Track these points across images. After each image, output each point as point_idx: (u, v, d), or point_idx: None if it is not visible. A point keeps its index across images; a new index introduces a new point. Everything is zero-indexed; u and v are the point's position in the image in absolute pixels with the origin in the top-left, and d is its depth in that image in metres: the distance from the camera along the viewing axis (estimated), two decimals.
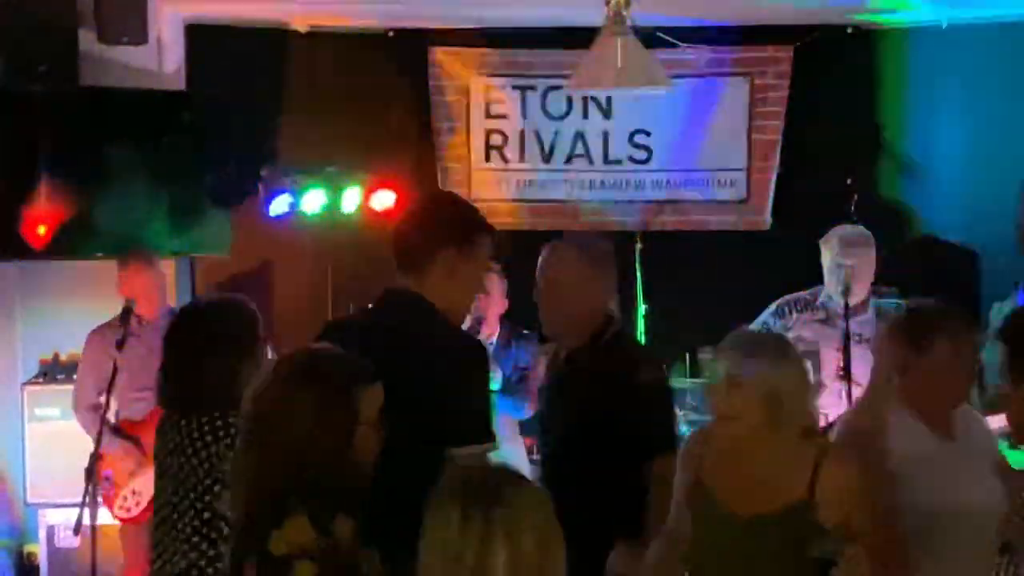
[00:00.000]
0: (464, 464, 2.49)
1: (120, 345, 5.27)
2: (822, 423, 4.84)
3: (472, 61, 7.49)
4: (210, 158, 6.40)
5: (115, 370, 5.24)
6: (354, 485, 2.57)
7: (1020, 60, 7.02)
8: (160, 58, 6.70)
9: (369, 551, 2.51)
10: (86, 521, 5.13)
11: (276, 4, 6.88)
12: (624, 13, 5.83)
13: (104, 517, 5.34)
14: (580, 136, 7.50)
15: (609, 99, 7.40)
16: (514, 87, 7.49)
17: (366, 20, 7.24)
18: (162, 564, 3.31)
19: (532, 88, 7.47)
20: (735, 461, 3.09)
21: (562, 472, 3.69)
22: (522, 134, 7.53)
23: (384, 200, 7.05)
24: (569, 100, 7.42)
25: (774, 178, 7.40)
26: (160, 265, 5.67)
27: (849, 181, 6.98)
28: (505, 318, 5.93)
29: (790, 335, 5.08)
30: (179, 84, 6.83)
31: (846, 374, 4.84)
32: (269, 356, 3.45)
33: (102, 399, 5.63)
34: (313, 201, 6.82)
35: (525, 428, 5.70)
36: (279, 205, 6.83)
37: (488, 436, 3.13)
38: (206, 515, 3.21)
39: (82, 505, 5.12)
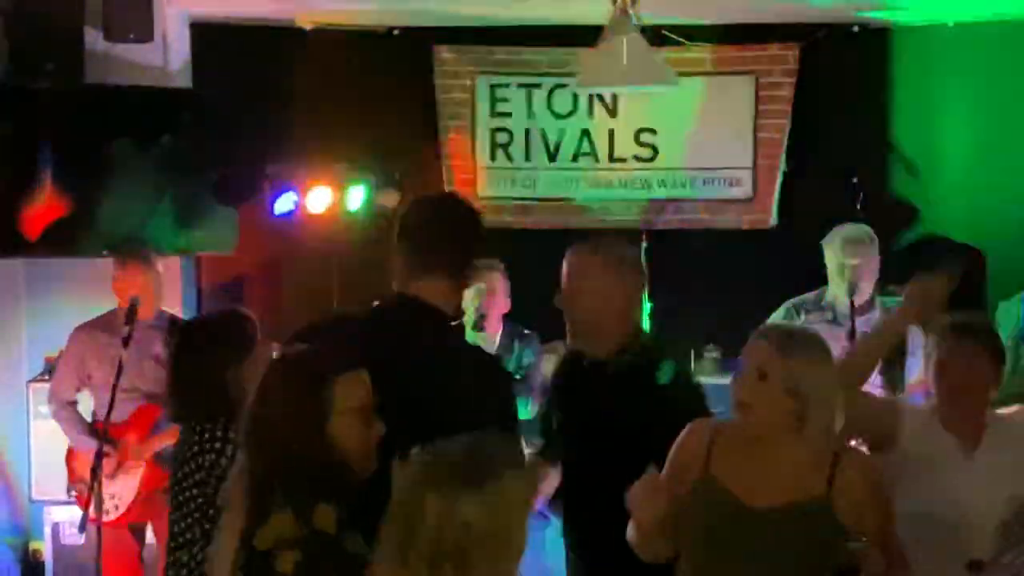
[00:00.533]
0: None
1: (126, 343, 5.27)
2: None
3: (477, 59, 7.49)
4: (215, 156, 6.39)
5: (120, 368, 5.22)
6: (335, 475, 2.58)
7: None
8: (166, 56, 6.70)
9: (354, 536, 2.52)
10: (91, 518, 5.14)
11: (282, 3, 6.88)
12: (630, 11, 5.83)
13: (107, 517, 5.32)
14: (586, 134, 7.49)
15: (615, 97, 7.40)
16: (519, 85, 7.49)
17: (371, 18, 7.24)
18: None
19: (537, 86, 7.47)
20: (751, 453, 3.07)
21: (586, 478, 3.64)
22: (527, 132, 7.53)
23: (389, 198, 7.06)
24: (575, 98, 7.41)
25: (780, 177, 7.39)
26: (158, 264, 5.63)
27: (855, 180, 6.98)
28: (507, 318, 5.93)
29: None
30: (185, 82, 6.84)
31: None
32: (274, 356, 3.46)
33: (78, 396, 5.63)
34: (318, 199, 6.82)
35: (524, 427, 5.68)
36: (284, 203, 6.83)
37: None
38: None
39: (87, 502, 5.12)
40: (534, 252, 7.37)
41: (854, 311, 4.93)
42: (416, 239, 3.12)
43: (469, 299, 6.01)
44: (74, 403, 5.63)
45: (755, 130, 7.40)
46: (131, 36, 6.26)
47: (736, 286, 6.99)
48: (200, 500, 3.37)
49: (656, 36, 6.66)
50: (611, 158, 7.51)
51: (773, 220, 7.42)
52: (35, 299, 6.57)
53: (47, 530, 6.15)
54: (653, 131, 7.46)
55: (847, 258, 5.06)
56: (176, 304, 6.52)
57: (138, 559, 5.58)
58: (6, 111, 5.83)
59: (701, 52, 7.32)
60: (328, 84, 7.25)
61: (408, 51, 7.41)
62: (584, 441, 3.69)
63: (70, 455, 5.64)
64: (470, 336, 5.85)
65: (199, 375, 3.49)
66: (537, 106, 7.49)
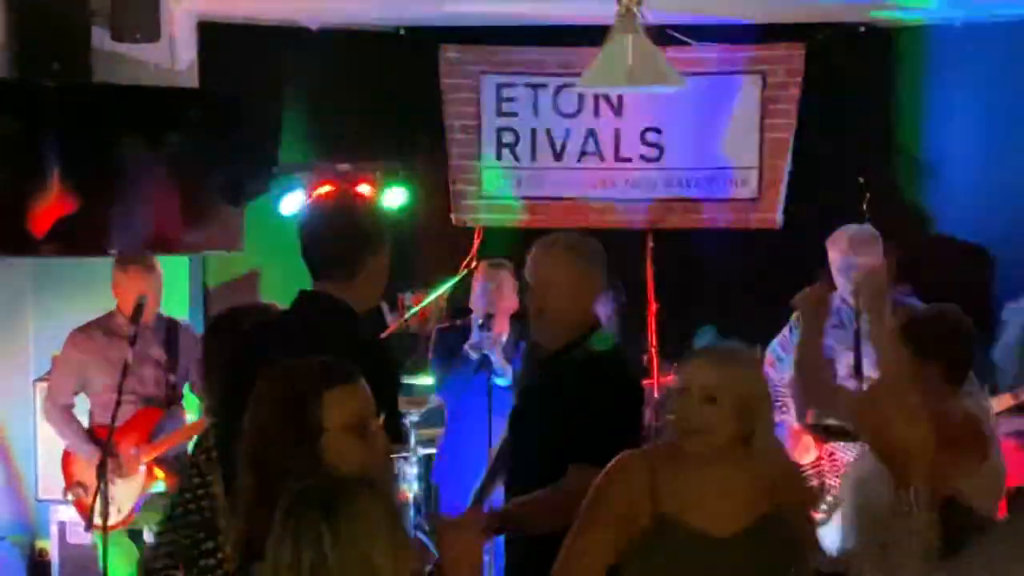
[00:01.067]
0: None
1: (133, 342, 5.27)
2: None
3: (483, 59, 7.49)
4: (222, 155, 6.40)
5: (126, 369, 5.23)
6: (333, 496, 2.37)
7: None
8: (173, 55, 6.71)
9: None
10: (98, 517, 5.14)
11: (288, 2, 6.89)
12: (635, 11, 5.82)
13: (112, 516, 5.32)
14: (591, 134, 7.49)
15: (620, 97, 7.39)
16: (525, 85, 7.49)
17: (378, 18, 7.24)
18: None
19: (543, 86, 7.47)
20: (700, 480, 2.99)
21: (527, 467, 3.70)
22: (533, 132, 7.52)
23: (395, 198, 7.06)
24: (580, 98, 7.41)
25: (786, 177, 7.38)
26: (159, 268, 5.63)
27: (861, 180, 6.97)
28: (515, 317, 5.94)
29: None
30: (191, 81, 6.85)
31: (857, 373, 4.82)
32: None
33: (75, 399, 5.63)
34: None
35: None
36: (291, 202, 6.84)
37: (398, 438, 3.26)
38: None
39: (93, 501, 5.12)
40: None
41: (860, 313, 4.91)
42: (313, 246, 3.28)
43: (477, 298, 6.03)
44: (71, 406, 5.63)
45: (761, 130, 7.39)
46: (138, 36, 6.27)
47: (742, 286, 7.00)
48: None
49: (662, 36, 6.66)
50: (617, 158, 7.51)
51: (779, 220, 7.41)
52: (42, 298, 6.58)
53: (53, 529, 6.15)
54: (659, 131, 7.46)
55: (854, 258, 5.04)
56: (182, 304, 6.54)
57: (137, 564, 5.58)
58: (13, 110, 5.85)
59: (707, 52, 7.32)
60: (334, 83, 7.26)
61: (414, 51, 7.41)
62: (525, 431, 3.76)
63: (66, 459, 5.64)
64: (477, 335, 5.87)
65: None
66: (543, 106, 7.49)
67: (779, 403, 5.19)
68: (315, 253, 3.27)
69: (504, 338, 5.94)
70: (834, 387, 4.07)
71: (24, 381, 6.34)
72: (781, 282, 5.76)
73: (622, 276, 6.83)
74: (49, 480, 6.13)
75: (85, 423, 5.67)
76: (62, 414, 5.58)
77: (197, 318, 6.57)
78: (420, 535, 5.78)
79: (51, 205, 5.94)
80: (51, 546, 6.21)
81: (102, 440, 5.36)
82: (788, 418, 5.16)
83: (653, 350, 6.60)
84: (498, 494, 4.03)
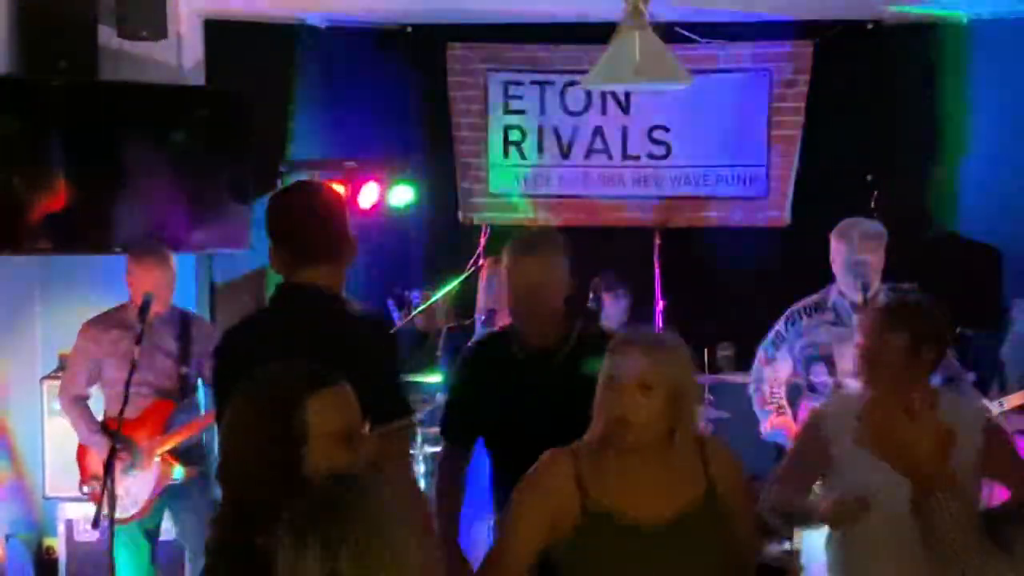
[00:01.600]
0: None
1: (139, 339, 5.27)
2: None
3: (490, 56, 7.48)
4: (228, 153, 6.40)
5: (133, 366, 5.23)
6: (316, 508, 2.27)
7: None
8: (179, 53, 6.71)
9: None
10: (104, 515, 5.14)
11: (295, 0, 6.89)
12: (642, 8, 5.80)
13: (118, 513, 5.32)
14: (598, 131, 7.49)
15: (627, 94, 7.39)
16: (532, 82, 7.48)
17: (385, 16, 7.24)
18: None
19: (550, 83, 7.47)
20: (627, 470, 2.97)
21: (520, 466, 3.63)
22: (540, 129, 7.52)
23: (402, 196, 7.06)
24: (587, 95, 7.41)
25: (794, 174, 7.37)
26: (172, 261, 5.63)
27: (869, 177, 6.96)
28: None
29: (804, 340, 5.06)
30: (198, 79, 6.85)
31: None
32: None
33: (90, 391, 5.64)
34: None
35: None
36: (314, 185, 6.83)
37: (407, 410, 3.24)
38: None
39: (100, 499, 5.12)
40: None
41: (867, 308, 4.89)
42: (294, 235, 3.28)
43: (480, 294, 6.02)
44: (85, 399, 5.63)
45: (769, 128, 7.38)
46: (144, 34, 6.28)
47: (750, 284, 6.98)
48: None
49: (669, 33, 6.65)
50: (624, 155, 7.50)
51: (787, 218, 7.40)
52: (49, 296, 6.58)
53: (60, 527, 6.15)
54: (666, 128, 7.45)
55: (863, 254, 5.01)
56: (189, 302, 6.53)
57: (151, 557, 5.58)
58: (19, 108, 5.85)
59: (715, 49, 7.31)
60: (341, 81, 7.26)
61: (421, 48, 7.41)
62: (522, 431, 3.69)
63: (81, 452, 5.64)
64: (481, 331, 5.86)
65: None
66: (550, 103, 7.48)
67: (774, 404, 5.16)
68: (305, 237, 3.27)
69: None
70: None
71: (31, 379, 6.34)
72: (789, 280, 5.77)
73: (630, 274, 6.84)
74: (56, 478, 6.14)
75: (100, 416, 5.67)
76: (75, 406, 5.58)
77: (203, 316, 6.56)
78: None
79: (58, 203, 5.94)
80: (58, 544, 6.21)
81: (115, 432, 5.36)
82: (787, 420, 5.12)
83: None
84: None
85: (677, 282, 6.85)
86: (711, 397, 6.44)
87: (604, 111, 7.46)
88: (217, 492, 2.64)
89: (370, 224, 7.00)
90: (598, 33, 6.29)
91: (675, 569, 2.94)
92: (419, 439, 6.30)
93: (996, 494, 3.83)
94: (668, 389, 2.93)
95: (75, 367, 5.64)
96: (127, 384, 5.17)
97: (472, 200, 7.56)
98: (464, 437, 4.07)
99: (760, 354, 5.25)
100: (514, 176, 7.56)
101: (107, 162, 6.08)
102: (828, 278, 5.22)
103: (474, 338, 5.87)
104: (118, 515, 5.31)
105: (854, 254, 5.01)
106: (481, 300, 6.00)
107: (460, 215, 7.55)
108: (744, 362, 6.76)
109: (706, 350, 6.71)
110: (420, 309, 6.98)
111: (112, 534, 5.18)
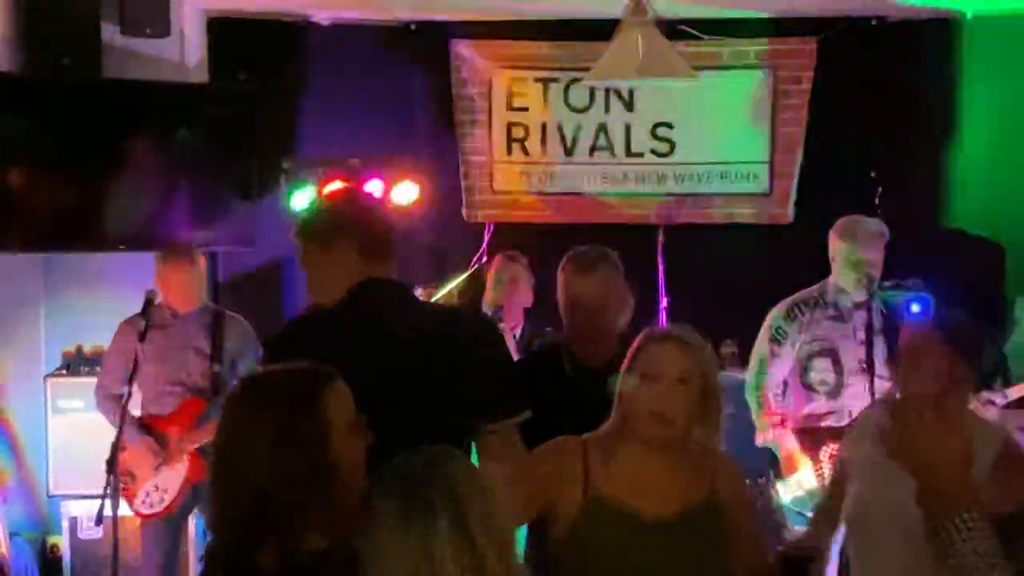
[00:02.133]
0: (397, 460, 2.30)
1: (142, 337, 5.29)
2: (846, 420, 4.83)
3: (494, 54, 7.47)
4: (232, 151, 6.41)
5: (136, 364, 5.25)
6: (331, 502, 2.35)
7: None
8: (183, 51, 6.72)
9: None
10: (108, 512, 5.14)
11: None
12: (646, 5, 5.81)
13: (126, 508, 5.34)
14: (602, 129, 7.48)
15: (631, 92, 7.38)
16: (536, 80, 7.47)
17: (388, 13, 7.24)
18: None
19: (554, 80, 7.46)
20: (639, 464, 2.98)
21: None
22: (544, 127, 7.51)
23: (406, 193, 7.06)
24: (591, 93, 7.40)
25: (797, 171, 7.36)
26: (200, 260, 5.67)
27: (873, 174, 6.95)
28: (527, 314, 5.92)
29: (806, 335, 5.04)
30: (202, 77, 6.85)
31: (869, 368, 4.80)
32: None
33: (125, 389, 5.66)
34: None
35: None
36: (301, 198, 6.83)
37: (514, 409, 3.14)
38: None
39: (104, 497, 5.13)
40: (552, 246, 7.39)
41: (871, 306, 4.90)
42: (369, 231, 3.25)
43: (489, 289, 6.02)
44: (120, 396, 5.67)
45: (773, 124, 7.37)
46: (148, 31, 6.28)
47: (753, 281, 6.95)
48: None
49: (672, 31, 6.64)
50: (628, 152, 7.49)
51: (790, 215, 7.39)
52: (53, 294, 6.59)
53: (64, 524, 6.17)
54: (670, 125, 7.44)
55: (865, 253, 5.00)
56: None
57: (175, 552, 5.62)
58: (23, 105, 5.86)
59: (718, 46, 7.30)
60: (344, 79, 7.26)
61: (425, 46, 7.40)
62: None
63: (122, 450, 5.69)
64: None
65: None
66: (554, 100, 7.47)
67: (777, 416, 5.10)
68: (380, 234, 3.25)
69: (518, 332, 5.92)
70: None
71: (35, 377, 6.36)
72: (792, 277, 5.76)
73: (633, 271, 6.83)
74: (60, 476, 6.15)
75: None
76: (109, 403, 5.62)
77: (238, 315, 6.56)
78: None
79: (61, 201, 5.95)
80: (63, 541, 6.22)
81: (153, 429, 5.52)
82: (785, 439, 5.07)
83: None
84: None
85: (680, 279, 6.84)
86: None
87: (608, 108, 7.45)
88: None
89: None
90: (602, 30, 6.30)
91: (673, 562, 2.94)
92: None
93: None
94: (701, 384, 2.95)
95: (109, 365, 5.68)
96: (128, 382, 5.20)
97: (476, 197, 7.56)
98: None
99: (763, 352, 5.19)
100: (518, 173, 7.55)
101: (111, 160, 6.09)
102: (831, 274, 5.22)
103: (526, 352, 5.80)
104: (149, 510, 5.39)
105: (856, 253, 5.00)
106: (489, 296, 6.00)
107: (464, 212, 7.54)
108: (747, 359, 6.77)
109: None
110: None
111: (116, 532, 5.19)
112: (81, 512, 6.05)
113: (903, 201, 6.83)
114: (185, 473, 5.54)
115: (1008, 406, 5.05)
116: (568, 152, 7.51)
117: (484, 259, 7.18)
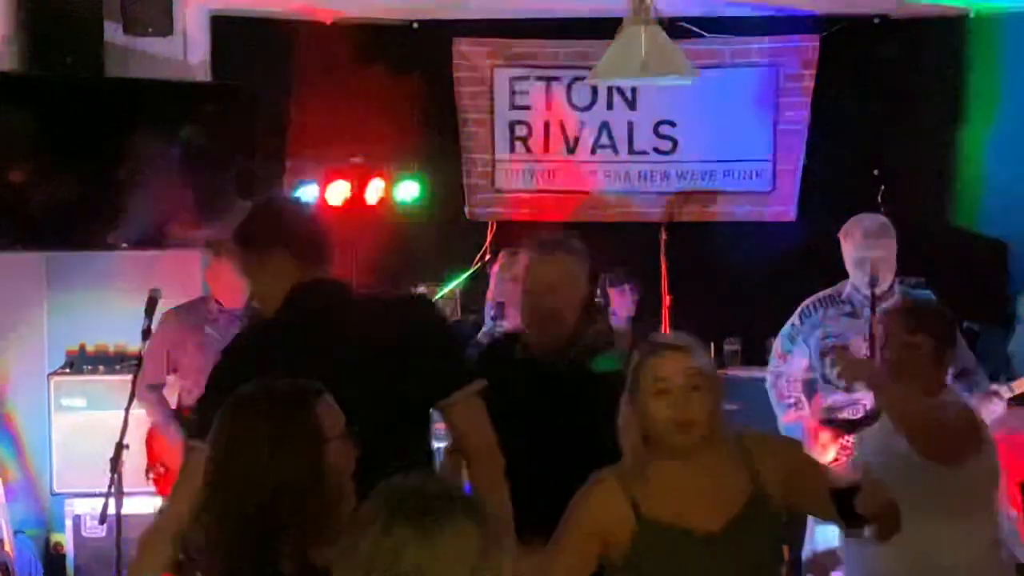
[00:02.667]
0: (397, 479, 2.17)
1: (146, 335, 5.30)
2: (862, 413, 4.95)
3: (496, 52, 7.48)
4: (235, 149, 6.41)
5: (140, 362, 5.27)
6: (329, 511, 2.36)
7: None
8: (185, 49, 6.72)
9: None
10: (112, 511, 5.15)
11: None
12: (648, 3, 5.80)
13: (129, 506, 5.33)
14: (605, 127, 7.48)
15: (634, 90, 7.38)
16: (538, 78, 7.47)
17: (391, 12, 7.24)
18: None
19: (557, 79, 7.46)
20: (681, 479, 2.95)
21: (530, 475, 3.50)
22: (546, 125, 7.51)
23: (408, 191, 7.07)
24: (594, 91, 7.39)
25: (800, 169, 7.36)
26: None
27: (876, 172, 6.94)
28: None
29: (819, 332, 5.08)
30: (204, 75, 6.85)
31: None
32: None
33: (167, 378, 5.72)
34: (337, 192, 6.83)
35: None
36: (303, 196, 6.84)
37: (470, 377, 3.25)
38: None
39: (107, 495, 5.13)
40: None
41: (875, 303, 4.90)
42: (306, 238, 3.33)
43: (491, 287, 6.02)
44: (161, 386, 5.72)
45: (776, 122, 7.37)
46: (150, 30, 6.29)
47: (756, 279, 6.98)
48: None
49: (675, 28, 6.63)
50: (630, 151, 7.49)
51: (793, 212, 7.39)
52: (57, 292, 6.59)
53: (68, 523, 6.17)
54: (672, 123, 7.45)
55: (868, 250, 5.02)
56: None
57: None
58: (25, 104, 5.86)
59: (721, 44, 7.30)
60: (347, 78, 7.25)
61: (427, 44, 7.41)
62: (531, 439, 3.58)
63: (150, 437, 5.75)
64: (488, 325, 5.86)
65: None
66: (556, 99, 7.47)
67: (792, 399, 5.19)
68: (316, 240, 3.35)
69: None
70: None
71: (39, 375, 6.36)
72: (796, 274, 5.78)
73: (636, 269, 6.84)
74: (64, 474, 6.16)
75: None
76: (150, 393, 5.65)
77: None
78: None
79: (65, 199, 5.95)
80: (66, 539, 6.22)
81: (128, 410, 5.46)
82: (804, 414, 5.15)
83: None
84: None
85: (684, 277, 6.83)
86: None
87: (610, 106, 7.45)
88: None
89: (376, 220, 7.01)
90: (604, 28, 6.29)
91: (727, 571, 2.94)
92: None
93: None
94: (713, 389, 2.94)
95: (151, 355, 5.69)
96: (134, 381, 5.21)
97: (478, 196, 7.56)
98: None
99: (776, 348, 5.27)
100: (520, 172, 7.55)
101: (114, 158, 6.09)
102: (834, 272, 5.23)
103: (482, 330, 5.87)
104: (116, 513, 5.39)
105: (859, 250, 5.04)
106: (491, 293, 6.00)
107: (466, 211, 7.55)
108: (750, 356, 6.78)
109: (712, 344, 6.69)
110: None
111: (119, 530, 5.20)
112: (85, 510, 6.05)
113: (906, 199, 6.82)
114: None
115: (1011, 400, 5.08)
116: (570, 150, 7.51)
117: (487, 257, 7.18)
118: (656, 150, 7.48)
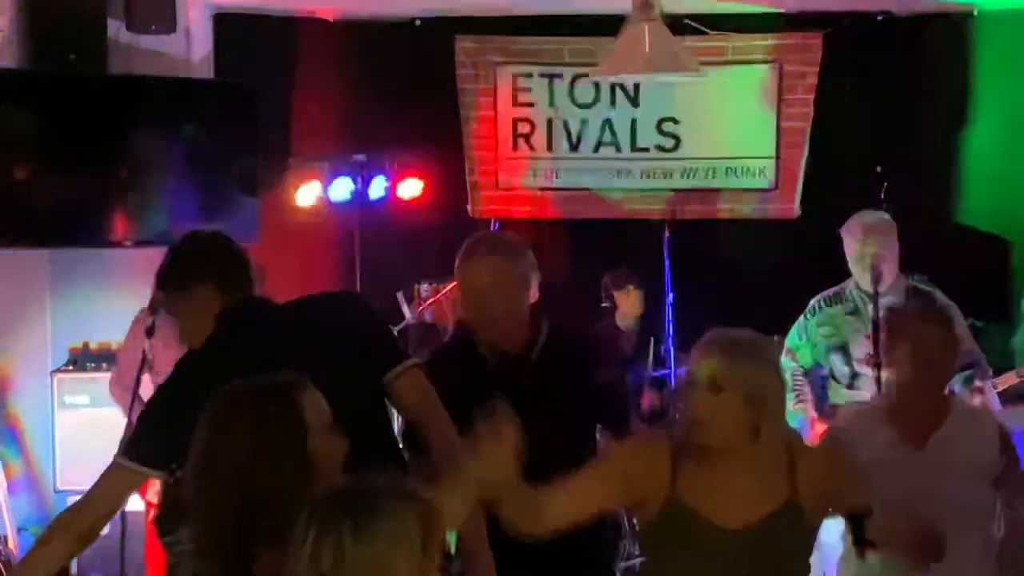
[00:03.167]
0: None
1: (150, 333, 5.28)
2: None
3: (499, 49, 7.47)
4: (237, 147, 6.41)
5: (144, 360, 5.24)
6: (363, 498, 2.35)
7: None
8: (188, 46, 6.72)
9: None
10: None
11: None
12: (652, 0, 5.80)
13: (132, 504, 5.33)
14: (608, 124, 7.47)
15: (637, 87, 7.37)
16: (541, 75, 7.47)
17: (394, 8, 7.24)
18: None
19: (559, 76, 7.45)
20: (718, 473, 2.95)
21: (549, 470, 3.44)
22: (549, 122, 7.51)
23: (411, 189, 7.06)
24: (596, 88, 7.39)
25: (803, 166, 7.36)
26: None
27: (879, 169, 6.94)
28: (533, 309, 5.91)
29: (823, 330, 5.09)
30: (207, 72, 6.85)
31: (875, 361, 4.80)
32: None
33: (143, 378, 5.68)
34: (340, 190, 6.83)
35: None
36: (306, 194, 6.85)
37: (405, 355, 3.34)
38: None
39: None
40: (558, 242, 7.40)
41: (877, 299, 4.90)
42: (235, 268, 3.42)
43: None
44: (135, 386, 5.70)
45: (778, 119, 7.37)
46: (153, 27, 6.29)
47: (759, 276, 6.97)
48: None
49: (678, 25, 6.63)
50: (633, 148, 7.49)
51: (796, 210, 7.39)
52: (60, 290, 6.59)
53: None
54: (675, 121, 7.44)
55: (868, 247, 5.02)
56: None
57: None
58: (29, 101, 5.87)
59: (724, 41, 7.29)
60: (349, 75, 7.26)
61: (430, 41, 7.40)
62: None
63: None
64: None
65: None
66: (559, 96, 7.47)
67: (796, 389, 5.20)
68: (243, 269, 3.44)
69: None
70: None
71: (41, 373, 6.36)
72: (799, 272, 5.78)
73: (639, 267, 6.84)
74: (67, 471, 6.16)
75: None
76: (126, 393, 5.62)
77: None
78: None
79: (67, 197, 5.95)
80: None
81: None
82: (806, 407, 5.16)
83: (670, 341, 6.58)
84: None
85: (687, 274, 6.83)
86: None
87: (613, 103, 7.45)
88: None
89: (379, 218, 7.01)
90: (607, 25, 6.29)
91: (749, 573, 2.94)
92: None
93: None
94: (743, 391, 2.88)
95: (123, 356, 5.64)
96: (137, 380, 5.19)
97: (481, 193, 7.56)
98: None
99: (786, 344, 5.29)
100: (522, 169, 7.55)
101: (116, 156, 6.10)
102: (837, 270, 5.23)
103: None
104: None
105: (859, 247, 5.04)
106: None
107: (469, 208, 7.54)
108: None
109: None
110: (430, 302, 6.98)
111: (123, 527, 5.20)
112: None
113: (909, 196, 6.80)
114: None
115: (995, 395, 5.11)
116: (573, 147, 7.51)
117: None
118: (659, 147, 7.48)
